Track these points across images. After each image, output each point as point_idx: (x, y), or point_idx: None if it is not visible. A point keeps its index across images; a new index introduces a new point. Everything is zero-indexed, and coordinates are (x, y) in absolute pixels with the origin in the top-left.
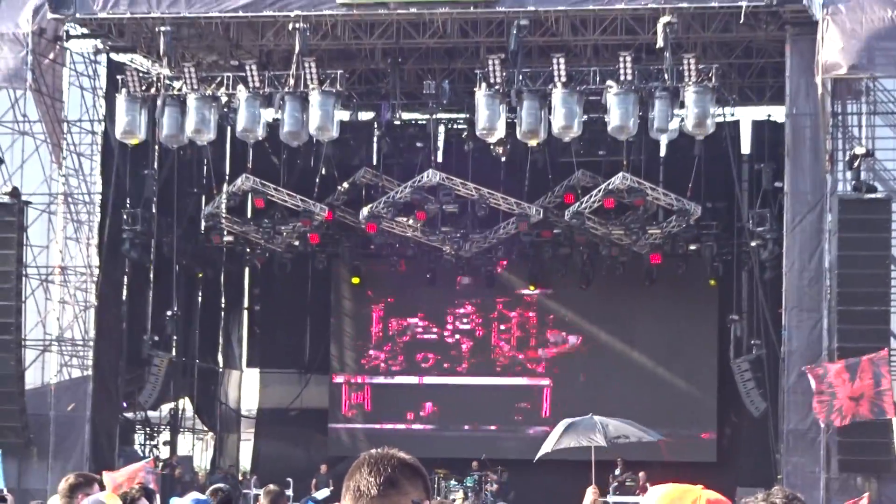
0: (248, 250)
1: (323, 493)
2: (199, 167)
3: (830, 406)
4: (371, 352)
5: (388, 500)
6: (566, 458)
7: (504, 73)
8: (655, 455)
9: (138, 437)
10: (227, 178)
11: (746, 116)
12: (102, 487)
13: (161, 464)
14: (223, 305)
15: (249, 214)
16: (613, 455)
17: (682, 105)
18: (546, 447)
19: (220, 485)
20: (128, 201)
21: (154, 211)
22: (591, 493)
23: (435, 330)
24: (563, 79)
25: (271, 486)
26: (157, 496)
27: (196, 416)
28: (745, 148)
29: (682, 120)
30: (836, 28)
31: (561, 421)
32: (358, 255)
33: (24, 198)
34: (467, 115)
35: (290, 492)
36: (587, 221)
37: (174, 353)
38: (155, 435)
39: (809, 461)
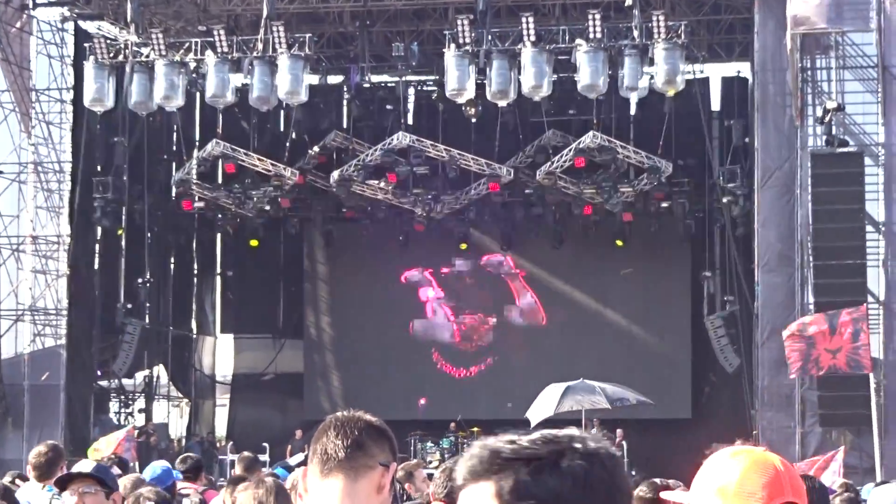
0: (219, 216)
1: (297, 458)
2: (169, 134)
3: (807, 356)
4: (344, 314)
5: (355, 463)
6: (546, 419)
7: (473, 34)
8: (631, 413)
9: (113, 406)
10: (197, 144)
11: (716, 73)
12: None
13: (136, 431)
14: (196, 272)
15: (220, 180)
16: (588, 416)
17: (651, 63)
18: (546, 411)
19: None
20: (98, 169)
21: (125, 178)
22: None
23: (409, 290)
24: (533, 38)
25: (245, 454)
26: (136, 464)
27: (171, 383)
28: (715, 104)
29: (652, 77)
30: None
31: (548, 385)
32: (330, 219)
33: None
34: (437, 77)
35: (266, 457)
36: (558, 181)
37: (147, 320)
38: (130, 403)
39: (784, 416)
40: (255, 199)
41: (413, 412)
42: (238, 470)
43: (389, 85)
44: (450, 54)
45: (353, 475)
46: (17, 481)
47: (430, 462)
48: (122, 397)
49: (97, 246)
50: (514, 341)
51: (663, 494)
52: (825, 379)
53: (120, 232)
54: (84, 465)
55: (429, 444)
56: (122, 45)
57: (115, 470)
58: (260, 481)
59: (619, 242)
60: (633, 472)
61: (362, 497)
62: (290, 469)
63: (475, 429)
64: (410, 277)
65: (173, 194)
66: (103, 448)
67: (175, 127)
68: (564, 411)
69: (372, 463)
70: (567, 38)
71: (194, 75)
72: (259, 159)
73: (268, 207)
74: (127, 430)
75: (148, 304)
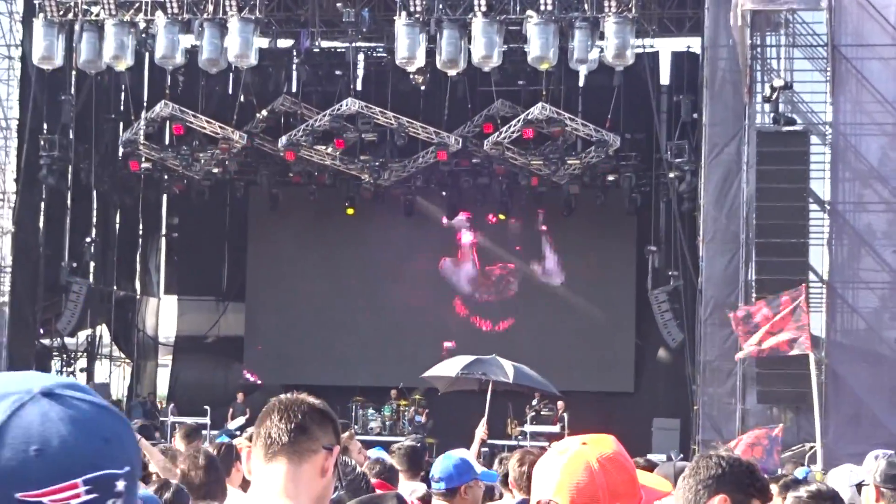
0: (165, 177)
1: (238, 422)
2: (117, 94)
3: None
4: (289, 279)
5: (298, 447)
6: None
7: (424, 2)
8: (574, 385)
9: (55, 365)
10: (145, 104)
11: (666, 48)
12: None
13: None
14: (141, 232)
15: (168, 141)
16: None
17: (601, 36)
18: (449, 371)
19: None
20: (45, 127)
21: (71, 137)
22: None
23: (355, 258)
24: (484, 8)
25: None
26: None
27: (113, 343)
28: (665, 79)
29: (602, 51)
30: None
31: (461, 355)
32: (276, 183)
33: None
34: (387, 44)
35: (207, 419)
36: (506, 151)
37: (92, 279)
38: (72, 362)
39: (725, 392)
40: (202, 161)
41: (352, 379)
42: (178, 438)
43: (339, 51)
44: (400, 22)
45: (296, 459)
46: None
47: (372, 429)
48: (64, 356)
49: (42, 204)
50: (458, 309)
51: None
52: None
53: (66, 191)
54: None
55: (370, 411)
56: (72, 4)
57: None
58: (194, 454)
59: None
60: None
61: (306, 480)
62: (231, 436)
63: (417, 396)
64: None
65: (120, 154)
66: None
67: (123, 87)
68: (470, 377)
69: (315, 447)
70: (518, 9)
71: (144, 35)
72: (207, 121)
73: (215, 170)
74: None
75: (93, 264)
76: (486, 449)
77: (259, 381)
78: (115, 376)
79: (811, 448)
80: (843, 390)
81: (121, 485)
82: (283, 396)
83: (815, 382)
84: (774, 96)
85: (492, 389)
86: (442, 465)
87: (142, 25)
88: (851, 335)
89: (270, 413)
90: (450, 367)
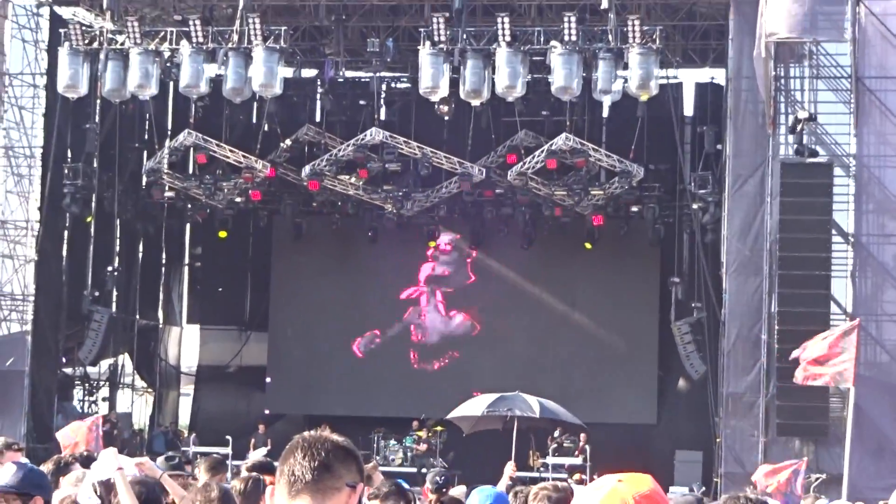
0: (189, 206)
1: (260, 453)
2: (142, 122)
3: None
4: (311, 309)
5: (322, 485)
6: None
7: (448, 32)
8: (596, 416)
9: (77, 393)
10: (169, 133)
11: (689, 79)
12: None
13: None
14: (164, 261)
15: (191, 170)
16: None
17: (625, 66)
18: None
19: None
20: (69, 155)
21: (95, 166)
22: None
23: (378, 288)
24: (508, 38)
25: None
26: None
27: (135, 372)
28: (688, 110)
29: (626, 81)
30: None
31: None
32: (300, 213)
33: None
34: (411, 74)
35: (229, 449)
36: (530, 182)
37: (114, 308)
38: (94, 391)
39: (748, 425)
40: (225, 190)
41: (375, 410)
42: (202, 470)
43: (364, 80)
44: (424, 52)
45: (320, 497)
46: None
47: (394, 461)
48: (87, 385)
49: (66, 232)
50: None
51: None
52: (785, 388)
53: (89, 219)
54: (5, 473)
55: (392, 442)
56: (98, 32)
57: (76, 467)
58: (206, 487)
59: (587, 245)
60: (596, 476)
61: None
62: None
63: (439, 427)
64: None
65: (144, 183)
66: (80, 441)
67: (148, 115)
68: (495, 414)
69: (339, 484)
70: (542, 39)
71: (168, 64)
72: (231, 151)
73: (238, 199)
74: (93, 419)
75: (115, 293)
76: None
77: (281, 412)
78: (137, 405)
79: (817, 479)
80: (866, 423)
81: None
82: (306, 434)
83: (850, 416)
84: (798, 128)
85: (517, 427)
86: (479, 498)
87: (167, 54)
88: (875, 368)
89: (294, 451)
90: (474, 407)
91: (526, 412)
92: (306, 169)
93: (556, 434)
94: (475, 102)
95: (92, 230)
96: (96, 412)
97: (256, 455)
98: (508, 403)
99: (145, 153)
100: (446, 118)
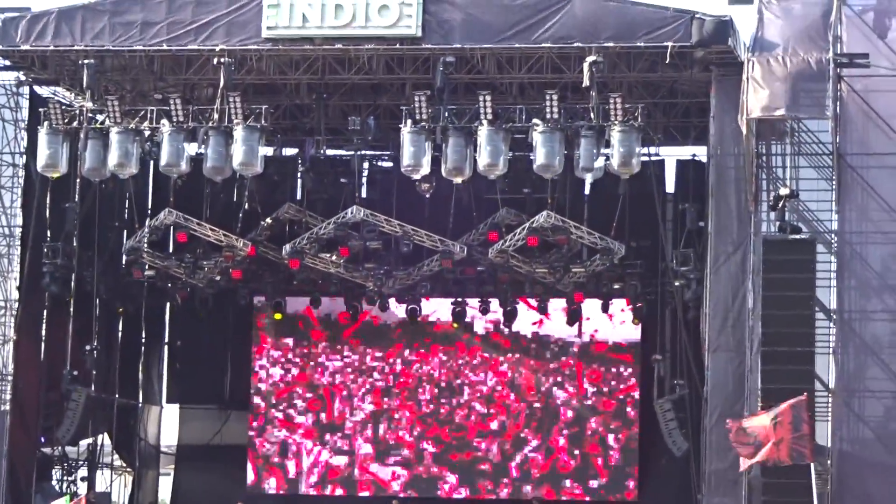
0: (169, 285)
1: None
2: (122, 201)
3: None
4: (293, 388)
5: None
6: None
7: (430, 110)
8: (576, 493)
9: (56, 473)
10: (149, 212)
11: (671, 156)
12: None
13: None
14: (143, 340)
15: (171, 249)
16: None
17: (607, 144)
18: None
19: None
20: (48, 235)
21: (75, 245)
22: None
23: (360, 367)
24: (490, 116)
25: None
26: None
27: (115, 451)
28: (670, 187)
29: (608, 159)
30: (761, 69)
31: None
32: (280, 291)
33: None
34: (392, 152)
35: None
36: (511, 259)
37: (93, 387)
38: (73, 471)
39: (731, 502)
40: (205, 269)
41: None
42: None
43: (345, 158)
44: (406, 130)
45: None
46: None
47: None
48: (65, 465)
49: (45, 311)
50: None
51: None
52: (769, 466)
53: (69, 299)
54: None
55: None
56: (77, 111)
57: None
58: None
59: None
60: None
61: None
62: None
63: None
64: None
65: (123, 262)
66: None
67: (128, 194)
68: None
69: None
70: (524, 117)
71: (148, 143)
72: (211, 229)
73: (218, 278)
74: (78, 500)
75: (94, 372)
76: None
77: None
78: (117, 485)
79: None
80: (850, 500)
81: None
82: None
83: (815, 493)
84: (780, 204)
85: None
86: None
87: (147, 133)
88: (858, 444)
89: None
90: None
91: None
92: (287, 247)
93: None
94: (457, 180)
95: (71, 309)
96: (76, 492)
97: None
98: None
99: (125, 232)
100: (427, 195)
